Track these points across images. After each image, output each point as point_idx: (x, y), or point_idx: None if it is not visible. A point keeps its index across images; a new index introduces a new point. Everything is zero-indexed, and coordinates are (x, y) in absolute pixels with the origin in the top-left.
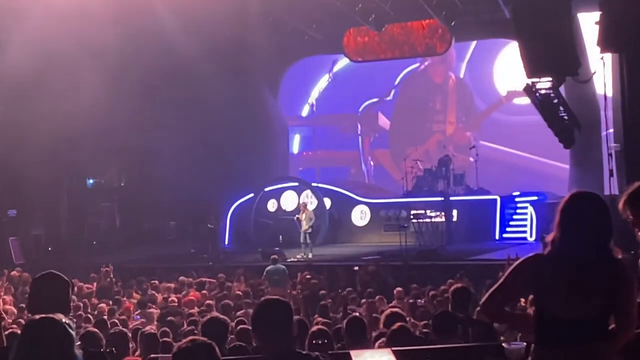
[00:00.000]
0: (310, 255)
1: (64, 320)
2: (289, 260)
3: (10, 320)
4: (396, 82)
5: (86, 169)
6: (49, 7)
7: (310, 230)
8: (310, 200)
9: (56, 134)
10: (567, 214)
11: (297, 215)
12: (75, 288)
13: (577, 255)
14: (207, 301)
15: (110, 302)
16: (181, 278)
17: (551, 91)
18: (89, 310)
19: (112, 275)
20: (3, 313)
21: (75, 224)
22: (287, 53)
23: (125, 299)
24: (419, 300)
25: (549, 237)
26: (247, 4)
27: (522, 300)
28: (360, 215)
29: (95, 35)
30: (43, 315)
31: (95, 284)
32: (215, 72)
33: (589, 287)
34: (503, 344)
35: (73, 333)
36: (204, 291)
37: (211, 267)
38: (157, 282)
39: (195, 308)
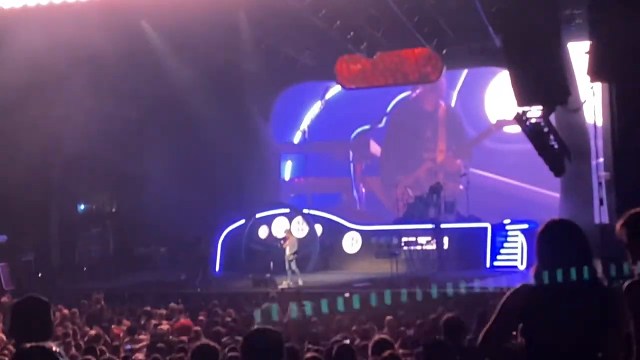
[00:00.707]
0: (300, 283)
1: (54, 348)
2: (279, 287)
3: None
4: (388, 109)
5: (77, 194)
6: (41, 33)
7: (292, 258)
8: (301, 226)
9: (47, 159)
10: (544, 243)
11: (281, 241)
12: (68, 313)
13: (563, 284)
14: (196, 328)
15: (100, 329)
16: (172, 305)
17: (541, 120)
18: (79, 337)
19: (102, 302)
20: None
21: (66, 250)
22: (279, 79)
23: (115, 326)
24: (409, 330)
25: (533, 269)
26: (239, 30)
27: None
28: (351, 242)
29: (88, 60)
30: (34, 344)
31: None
32: (208, 97)
33: (577, 317)
34: None
35: None
36: (200, 317)
37: (200, 293)
38: (148, 308)
39: (185, 335)
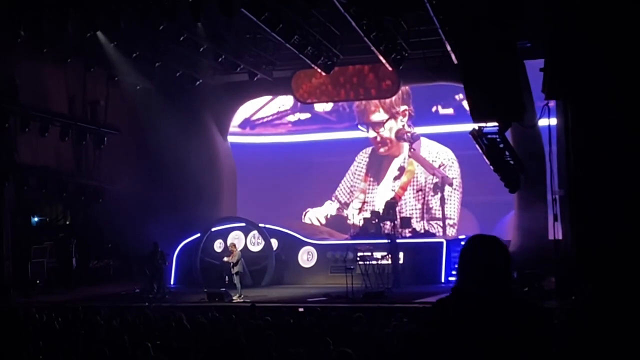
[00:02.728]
0: (237, 298)
1: None
2: (233, 301)
3: None
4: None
5: (31, 206)
6: None
7: (234, 271)
8: (257, 240)
9: (0, 172)
10: (463, 256)
11: (225, 257)
12: None
13: (471, 293)
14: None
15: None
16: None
17: (497, 136)
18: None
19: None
20: None
21: (19, 263)
22: (236, 93)
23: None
24: None
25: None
26: (197, 43)
27: None
28: (307, 257)
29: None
30: None
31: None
32: (164, 111)
33: (486, 329)
34: None
35: None
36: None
37: (147, 307)
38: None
39: None
